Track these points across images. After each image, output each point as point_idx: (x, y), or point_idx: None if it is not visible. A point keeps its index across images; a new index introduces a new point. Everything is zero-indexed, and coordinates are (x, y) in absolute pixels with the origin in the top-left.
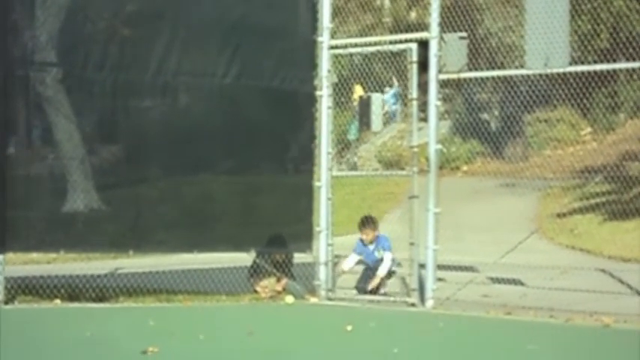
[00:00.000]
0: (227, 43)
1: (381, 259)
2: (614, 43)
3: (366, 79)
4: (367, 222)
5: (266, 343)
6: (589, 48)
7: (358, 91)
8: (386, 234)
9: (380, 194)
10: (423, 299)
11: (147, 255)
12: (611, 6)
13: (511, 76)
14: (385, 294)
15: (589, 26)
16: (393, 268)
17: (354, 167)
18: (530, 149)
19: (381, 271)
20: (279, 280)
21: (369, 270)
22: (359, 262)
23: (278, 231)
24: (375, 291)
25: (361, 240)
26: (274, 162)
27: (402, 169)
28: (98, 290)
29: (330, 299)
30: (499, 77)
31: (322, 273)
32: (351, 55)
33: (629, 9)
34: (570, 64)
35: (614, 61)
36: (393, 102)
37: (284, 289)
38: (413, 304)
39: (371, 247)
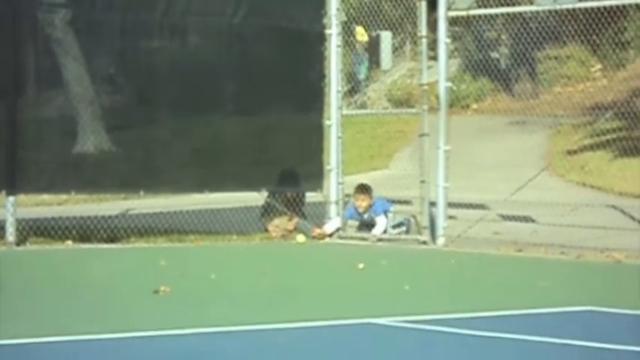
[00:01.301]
0: None
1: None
2: None
3: (375, 17)
4: (362, 189)
5: (278, 282)
6: None
7: (360, 32)
8: (383, 199)
9: (390, 133)
10: (434, 237)
11: (158, 195)
12: None
13: (520, 13)
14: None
15: None
16: (396, 222)
17: (364, 106)
18: (540, 86)
19: (376, 231)
20: (290, 219)
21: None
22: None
23: (290, 168)
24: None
25: (354, 207)
26: (284, 101)
27: (412, 107)
28: (109, 231)
29: (341, 238)
30: (508, 14)
31: (333, 211)
32: None
33: None
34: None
35: None
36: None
37: (295, 228)
38: (424, 242)
39: (364, 215)
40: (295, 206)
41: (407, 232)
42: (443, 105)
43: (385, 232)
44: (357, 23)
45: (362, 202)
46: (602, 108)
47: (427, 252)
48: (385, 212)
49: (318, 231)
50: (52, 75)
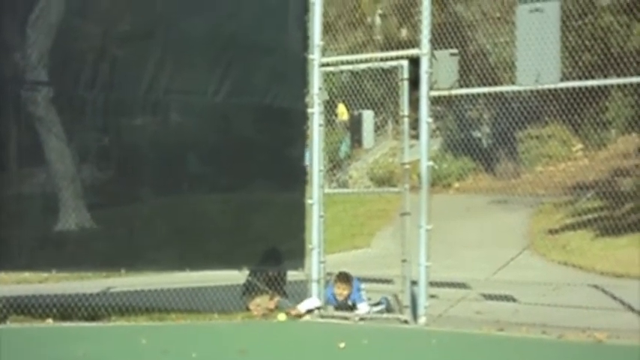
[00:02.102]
0: (218, 61)
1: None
2: (604, 59)
3: (357, 96)
4: (342, 279)
5: None
6: (579, 64)
7: (342, 109)
8: (361, 285)
9: (372, 211)
10: (415, 316)
11: (139, 274)
12: (602, 21)
13: (502, 93)
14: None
15: (579, 42)
16: (373, 302)
17: (345, 185)
18: (522, 166)
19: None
20: (271, 297)
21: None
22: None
23: (272, 246)
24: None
25: (333, 295)
26: (266, 180)
27: (394, 186)
28: (90, 309)
29: (322, 317)
30: (490, 94)
31: (314, 290)
32: (341, 72)
33: (620, 24)
34: (561, 80)
35: (605, 76)
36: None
37: (277, 307)
38: (405, 321)
39: (343, 302)
40: (277, 285)
41: (387, 310)
42: (425, 184)
43: (368, 312)
44: (339, 102)
45: (342, 291)
46: (583, 187)
47: (409, 331)
48: (361, 296)
49: (292, 311)
50: (33, 152)
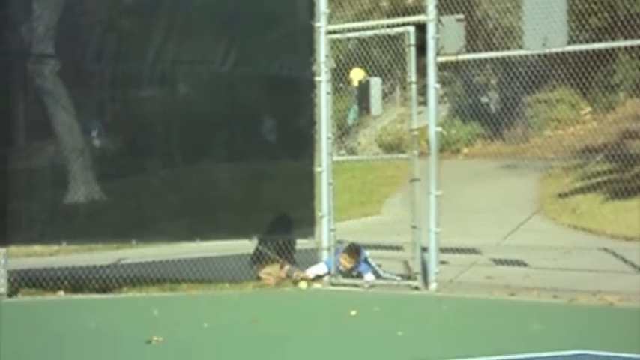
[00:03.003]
0: (224, 31)
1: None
2: (611, 22)
3: (364, 63)
4: (350, 250)
5: (270, 330)
6: (587, 27)
7: (356, 73)
8: (367, 253)
9: (381, 178)
10: (426, 282)
11: (149, 245)
12: None
13: (510, 57)
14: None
15: (586, 5)
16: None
17: (354, 152)
18: (531, 130)
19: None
20: (282, 266)
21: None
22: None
23: (281, 214)
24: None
25: (339, 262)
26: (274, 148)
27: (403, 152)
28: (102, 281)
29: (333, 284)
30: (497, 59)
31: (325, 258)
32: (347, 39)
33: None
34: (568, 43)
35: (612, 39)
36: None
37: (287, 276)
38: (416, 288)
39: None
40: (286, 253)
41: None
42: (433, 150)
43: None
44: (347, 70)
45: (347, 263)
46: (592, 151)
47: (419, 297)
48: (369, 265)
49: (300, 274)
50: (42, 125)
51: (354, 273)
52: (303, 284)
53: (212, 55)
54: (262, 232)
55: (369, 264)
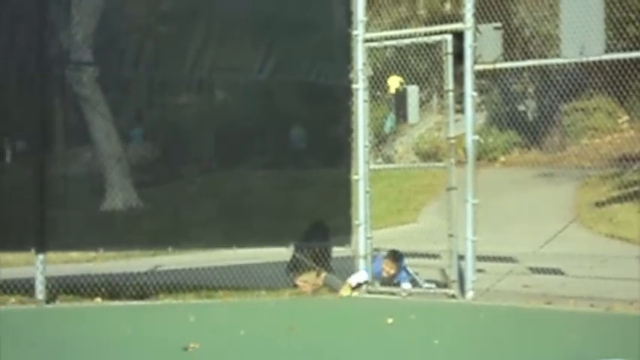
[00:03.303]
0: (262, 38)
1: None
2: None
3: (401, 71)
4: (391, 256)
5: (307, 338)
6: (624, 36)
7: (393, 81)
8: (406, 262)
9: (418, 186)
10: (463, 291)
11: (186, 251)
12: None
13: (547, 66)
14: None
15: (624, 14)
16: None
17: (391, 160)
18: (568, 138)
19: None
20: (318, 274)
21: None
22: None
23: (318, 222)
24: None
25: (382, 268)
26: (312, 156)
27: (440, 160)
28: (138, 288)
29: (370, 292)
30: (535, 67)
31: (362, 266)
32: (385, 47)
33: None
34: (606, 51)
35: None
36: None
37: (324, 284)
38: (453, 296)
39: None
40: (323, 261)
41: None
42: (470, 158)
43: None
44: (384, 77)
45: (390, 270)
46: (629, 159)
47: (456, 306)
48: (408, 273)
49: (347, 289)
50: (79, 132)
51: (394, 281)
52: (346, 291)
53: (250, 63)
54: (299, 240)
55: (407, 272)
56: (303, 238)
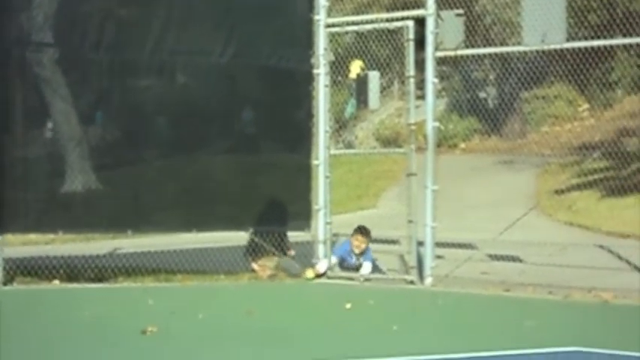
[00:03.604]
0: (223, 22)
1: (359, 265)
2: (610, 19)
3: (362, 57)
4: (362, 232)
5: (265, 322)
6: (585, 24)
7: (355, 66)
8: (372, 254)
9: (378, 172)
10: (421, 277)
11: (146, 235)
12: None
13: (508, 53)
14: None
15: (585, 2)
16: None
17: (351, 145)
18: (528, 126)
19: (363, 272)
20: (275, 257)
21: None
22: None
23: (277, 206)
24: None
25: (350, 248)
26: (272, 141)
27: (400, 146)
28: (97, 270)
29: (329, 277)
30: (496, 54)
31: (321, 251)
32: (346, 33)
33: None
34: (567, 40)
35: (611, 37)
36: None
37: (281, 268)
38: (412, 282)
39: (355, 257)
40: (280, 245)
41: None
42: (431, 144)
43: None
44: (345, 63)
45: (361, 244)
46: (589, 147)
47: (415, 292)
48: (372, 260)
49: (310, 272)
50: (39, 114)
51: (361, 260)
52: (310, 274)
53: (211, 46)
54: (259, 224)
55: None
56: (261, 222)
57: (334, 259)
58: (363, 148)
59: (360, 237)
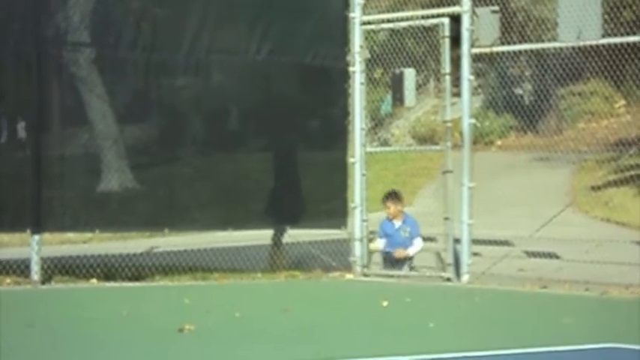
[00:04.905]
0: (259, 20)
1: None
2: None
3: (398, 54)
4: (390, 196)
5: (302, 320)
6: (621, 20)
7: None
8: (414, 218)
9: (414, 169)
10: (458, 274)
11: (182, 233)
12: None
13: (544, 50)
14: (412, 268)
15: None
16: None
17: (387, 143)
18: (564, 122)
19: (411, 250)
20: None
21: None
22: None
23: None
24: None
25: (389, 215)
26: (308, 139)
27: (436, 144)
28: (134, 269)
29: (365, 275)
30: (532, 51)
31: (357, 249)
32: (382, 30)
33: None
34: (603, 36)
35: None
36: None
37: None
38: (448, 279)
39: (396, 223)
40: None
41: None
42: (467, 141)
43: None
44: (381, 60)
45: (395, 210)
46: (626, 144)
47: (451, 289)
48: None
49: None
50: (76, 113)
51: (405, 228)
52: (374, 246)
53: (247, 45)
54: (295, 222)
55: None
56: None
57: (382, 242)
58: (399, 146)
59: (388, 203)
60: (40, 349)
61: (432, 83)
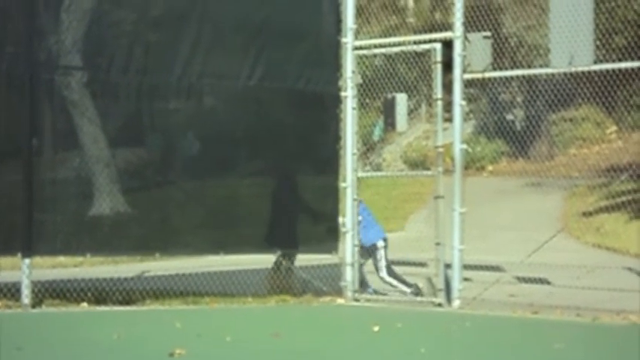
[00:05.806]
0: (251, 45)
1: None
2: (637, 41)
3: (390, 80)
4: None
5: (293, 345)
6: (613, 46)
7: None
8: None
9: (405, 194)
10: (449, 299)
11: (173, 257)
12: (635, 3)
13: (535, 75)
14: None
15: (612, 24)
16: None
17: (379, 168)
18: (556, 148)
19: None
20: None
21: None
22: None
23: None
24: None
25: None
26: (300, 163)
27: (428, 169)
28: (125, 293)
29: (356, 300)
30: (524, 76)
31: (348, 274)
32: (374, 55)
33: None
34: (595, 62)
35: (639, 59)
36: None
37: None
38: (439, 304)
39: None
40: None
41: (415, 295)
42: (458, 167)
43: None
44: (373, 86)
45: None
46: (617, 170)
47: (442, 314)
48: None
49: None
50: (68, 136)
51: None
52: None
53: (239, 69)
54: (287, 247)
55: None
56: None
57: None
58: (391, 171)
59: None
60: None
61: (423, 108)
